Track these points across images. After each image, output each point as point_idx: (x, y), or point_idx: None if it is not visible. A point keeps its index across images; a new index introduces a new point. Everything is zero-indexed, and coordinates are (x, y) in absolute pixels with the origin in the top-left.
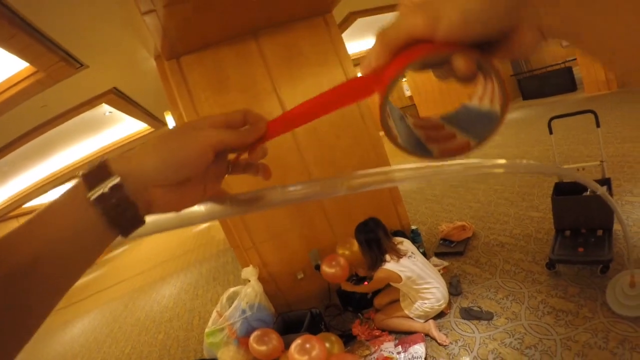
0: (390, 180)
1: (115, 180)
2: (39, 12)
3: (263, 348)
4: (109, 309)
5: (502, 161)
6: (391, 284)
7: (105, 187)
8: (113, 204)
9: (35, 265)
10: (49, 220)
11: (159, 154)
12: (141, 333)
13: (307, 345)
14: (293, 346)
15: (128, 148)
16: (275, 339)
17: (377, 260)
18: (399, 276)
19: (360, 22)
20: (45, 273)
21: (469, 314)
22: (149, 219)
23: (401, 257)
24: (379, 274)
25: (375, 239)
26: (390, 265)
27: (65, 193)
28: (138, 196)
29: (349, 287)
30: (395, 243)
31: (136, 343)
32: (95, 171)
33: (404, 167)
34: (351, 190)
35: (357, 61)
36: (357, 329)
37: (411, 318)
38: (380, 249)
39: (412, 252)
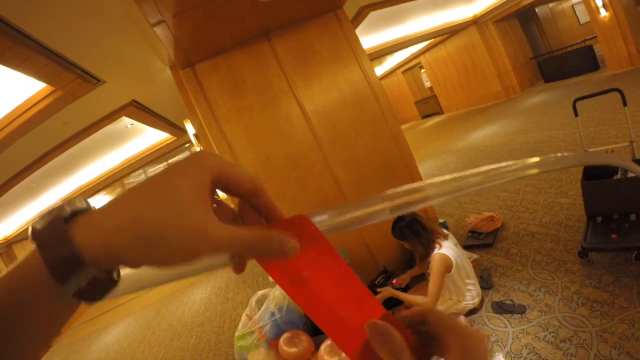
0: (426, 199)
1: (91, 273)
2: (52, 33)
3: (293, 350)
4: (142, 316)
5: (535, 160)
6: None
7: (78, 282)
8: (89, 291)
9: None
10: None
11: (147, 241)
12: (173, 338)
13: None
14: (323, 347)
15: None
16: (305, 341)
17: (429, 242)
18: (452, 260)
19: (373, 15)
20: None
21: (501, 308)
22: (127, 276)
23: (447, 239)
24: (434, 263)
25: (420, 224)
26: (444, 249)
27: (21, 276)
28: (114, 268)
29: (403, 297)
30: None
31: (169, 348)
32: (59, 251)
33: (436, 181)
34: (393, 213)
35: (373, 55)
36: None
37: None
38: (426, 230)
39: (456, 242)
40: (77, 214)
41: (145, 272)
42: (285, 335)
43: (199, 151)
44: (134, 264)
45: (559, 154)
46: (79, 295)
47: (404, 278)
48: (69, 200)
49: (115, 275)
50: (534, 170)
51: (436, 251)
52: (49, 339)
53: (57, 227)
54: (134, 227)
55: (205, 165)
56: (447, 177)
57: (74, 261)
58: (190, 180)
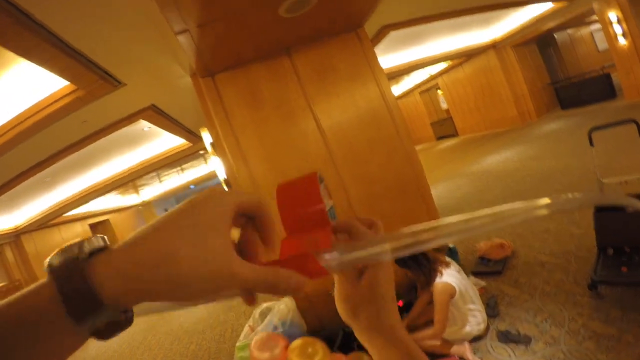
0: (440, 237)
1: (109, 315)
2: (77, 34)
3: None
4: (144, 318)
5: (545, 201)
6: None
7: (95, 322)
8: (105, 329)
9: None
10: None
11: (168, 278)
12: (174, 343)
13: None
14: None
15: (149, 171)
16: (280, 346)
17: (430, 271)
18: (454, 288)
19: (393, 35)
20: None
21: (506, 337)
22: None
23: (449, 267)
24: (437, 293)
25: (422, 253)
26: (445, 277)
27: (31, 296)
28: (131, 307)
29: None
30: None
31: (168, 352)
32: (76, 288)
33: (452, 220)
34: (396, 254)
35: (392, 75)
36: None
37: (447, 340)
38: (428, 260)
39: (459, 268)
40: (95, 252)
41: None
42: (258, 336)
43: (215, 187)
44: (154, 301)
45: (570, 195)
46: (93, 334)
47: (414, 317)
48: (88, 239)
49: (130, 315)
50: (544, 212)
51: (438, 280)
52: None
53: (76, 265)
54: (159, 271)
55: (226, 201)
56: (455, 218)
57: (92, 301)
58: (214, 219)
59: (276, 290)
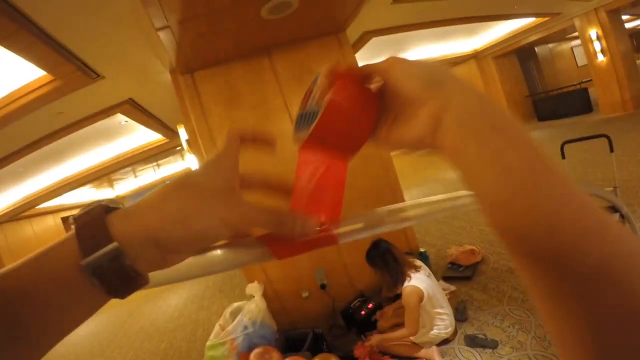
0: (405, 220)
1: (114, 248)
2: (57, 23)
3: None
4: (115, 315)
5: None
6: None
7: (102, 257)
8: (111, 274)
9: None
10: (33, 283)
11: (175, 220)
12: (144, 341)
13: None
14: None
15: (143, 154)
16: (275, 357)
17: (399, 275)
18: (422, 292)
19: (375, 41)
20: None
21: (473, 342)
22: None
23: (419, 271)
24: (406, 296)
25: (391, 255)
26: (413, 280)
27: (55, 247)
28: (142, 262)
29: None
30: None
31: (138, 351)
32: (90, 229)
33: (418, 202)
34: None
35: None
36: (359, 351)
37: (415, 343)
38: (397, 264)
39: (429, 272)
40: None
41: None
42: (256, 351)
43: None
44: (169, 246)
45: None
46: (100, 279)
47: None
48: (108, 199)
49: (142, 272)
50: None
51: (407, 283)
52: (63, 328)
53: (98, 212)
54: (173, 214)
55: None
56: (420, 200)
57: (101, 235)
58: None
59: (283, 227)
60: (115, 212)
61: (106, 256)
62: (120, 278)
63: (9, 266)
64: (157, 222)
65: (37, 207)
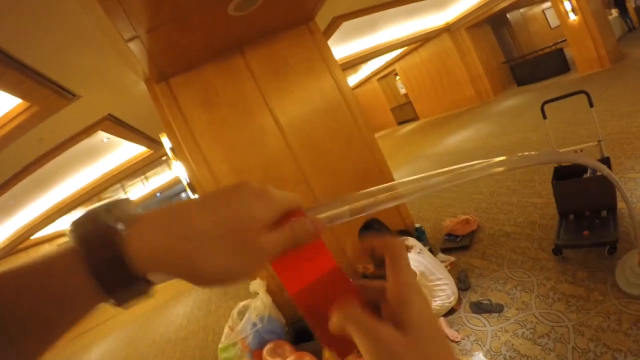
0: (397, 198)
1: (140, 289)
2: (25, 48)
3: None
4: (124, 333)
5: (501, 158)
6: None
7: (126, 295)
8: (129, 298)
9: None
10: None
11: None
12: (157, 354)
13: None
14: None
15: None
16: (288, 350)
17: None
18: (414, 271)
19: (347, 24)
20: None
21: (479, 308)
22: None
23: (410, 251)
24: None
25: (382, 235)
26: None
27: (56, 259)
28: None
29: None
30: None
31: None
32: (103, 254)
33: (408, 180)
34: (356, 214)
35: (347, 65)
36: None
37: None
38: None
39: (420, 249)
40: (123, 219)
41: None
42: (268, 346)
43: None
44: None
45: (526, 153)
46: (118, 304)
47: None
48: (114, 202)
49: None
50: (500, 168)
51: None
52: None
53: (108, 235)
54: (184, 247)
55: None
56: (414, 177)
57: (127, 277)
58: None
59: (298, 240)
60: (129, 236)
61: (132, 294)
62: (136, 300)
63: (7, 267)
64: (175, 259)
65: (32, 238)
